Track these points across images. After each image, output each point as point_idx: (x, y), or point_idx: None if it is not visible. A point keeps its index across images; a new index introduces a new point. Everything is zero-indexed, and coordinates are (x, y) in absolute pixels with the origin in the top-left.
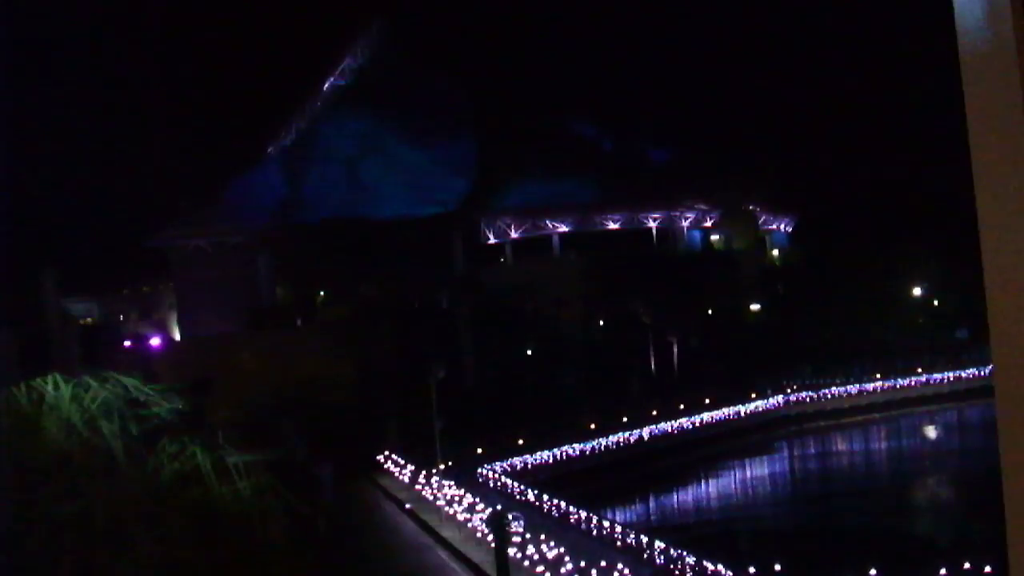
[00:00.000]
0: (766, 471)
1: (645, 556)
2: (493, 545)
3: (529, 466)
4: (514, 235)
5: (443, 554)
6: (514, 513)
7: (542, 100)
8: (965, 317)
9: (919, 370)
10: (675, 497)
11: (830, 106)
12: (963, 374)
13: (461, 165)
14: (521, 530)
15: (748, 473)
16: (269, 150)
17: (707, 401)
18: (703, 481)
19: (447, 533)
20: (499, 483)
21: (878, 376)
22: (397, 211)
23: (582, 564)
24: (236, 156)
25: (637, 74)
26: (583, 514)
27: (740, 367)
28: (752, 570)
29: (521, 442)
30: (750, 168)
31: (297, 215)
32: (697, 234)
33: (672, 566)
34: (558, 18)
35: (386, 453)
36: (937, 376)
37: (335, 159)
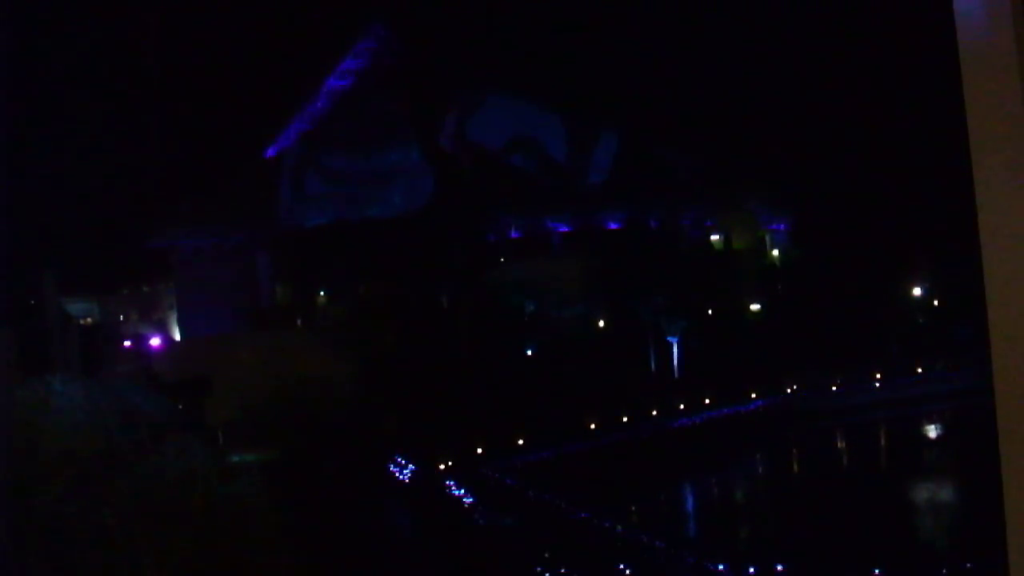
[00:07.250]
0: (766, 470)
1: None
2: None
3: (529, 466)
4: (514, 235)
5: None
6: (513, 513)
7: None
8: (965, 316)
9: (919, 370)
10: (675, 496)
11: (830, 106)
12: (962, 374)
13: (459, 165)
14: (520, 530)
15: (747, 472)
16: (269, 150)
17: (707, 401)
18: (704, 481)
19: None
20: (499, 483)
21: (878, 376)
22: (397, 211)
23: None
24: (236, 156)
25: (637, 74)
26: (583, 514)
27: (740, 367)
28: (752, 570)
29: (521, 442)
30: (750, 168)
31: (297, 215)
32: (697, 234)
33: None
34: (556, 15)
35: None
36: (937, 376)
37: (335, 159)
